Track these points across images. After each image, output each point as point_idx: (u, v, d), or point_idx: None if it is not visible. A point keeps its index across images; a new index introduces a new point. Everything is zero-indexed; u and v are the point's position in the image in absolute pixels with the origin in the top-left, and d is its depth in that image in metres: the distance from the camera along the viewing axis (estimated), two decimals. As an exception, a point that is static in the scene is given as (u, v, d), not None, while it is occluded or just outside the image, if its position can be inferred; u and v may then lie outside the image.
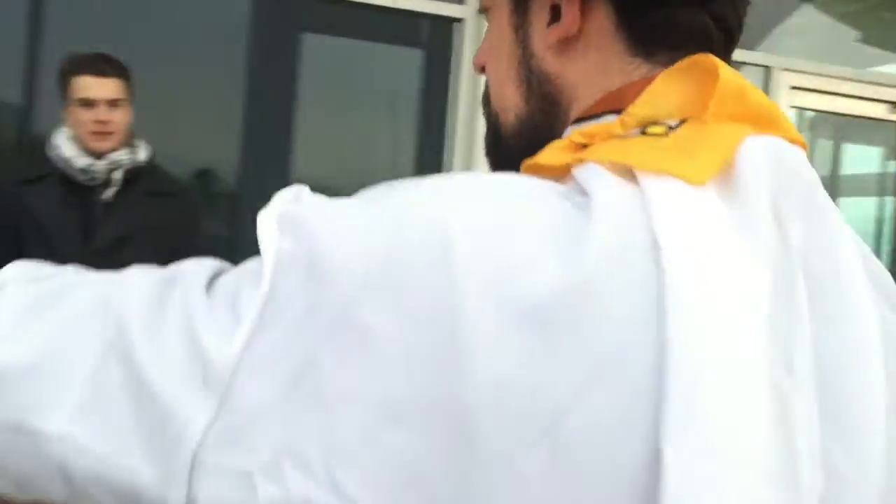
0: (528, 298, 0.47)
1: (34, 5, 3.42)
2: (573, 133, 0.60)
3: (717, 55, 0.59)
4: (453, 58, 4.05)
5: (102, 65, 2.27)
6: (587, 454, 0.45)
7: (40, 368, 0.51)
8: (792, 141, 0.58)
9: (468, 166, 3.99)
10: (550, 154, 0.58)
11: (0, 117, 3.42)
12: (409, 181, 0.56)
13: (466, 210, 0.50)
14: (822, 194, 0.57)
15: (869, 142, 4.84)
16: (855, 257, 0.56)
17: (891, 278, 0.60)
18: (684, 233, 0.49)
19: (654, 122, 0.57)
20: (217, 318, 0.51)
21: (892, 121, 4.74)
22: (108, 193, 2.28)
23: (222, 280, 0.56)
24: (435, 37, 4.05)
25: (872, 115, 4.57)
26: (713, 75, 0.56)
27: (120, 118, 2.28)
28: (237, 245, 3.72)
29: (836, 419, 0.50)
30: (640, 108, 0.58)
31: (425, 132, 4.05)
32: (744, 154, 0.53)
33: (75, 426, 0.50)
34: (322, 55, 3.92)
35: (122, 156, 2.28)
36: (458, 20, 4.06)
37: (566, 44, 0.64)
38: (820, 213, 0.56)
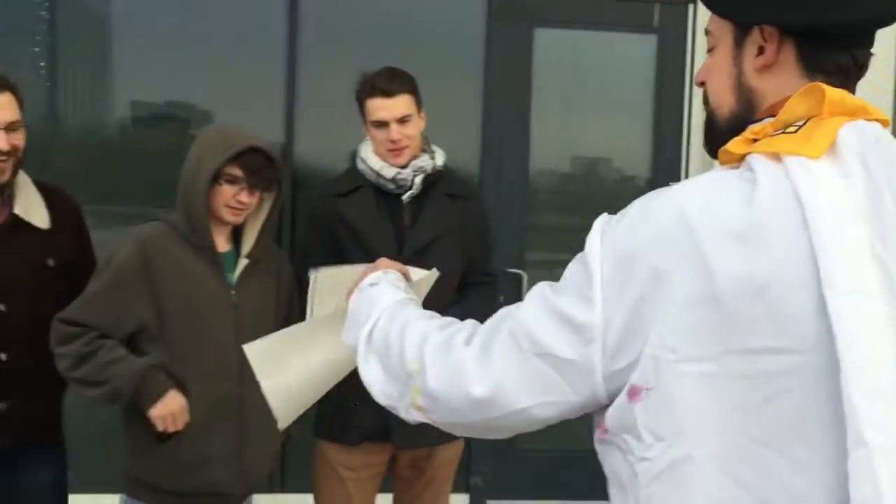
0: (731, 227, 0.91)
1: (292, 31, 3.82)
2: (747, 130, 1.02)
3: (851, 79, 1.04)
4: (687, 40, 4.00)
5: (389, 84, 2.38)
6: (782, 305, 0.89)
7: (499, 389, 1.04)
8: (877, 121, 0.99)
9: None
10: (734, 145, 1.01)
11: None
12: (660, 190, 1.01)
13: (689, 193, 0.97)
14: (889, 144, 0.97)
15: None
16: None
17: None
18: (811, 185, 0.91)
19: (790, 124, 0.99)
20: (571, 302, 0.99)
21: None
22: (408, 196, 2.42)
23: (559, 284, 1.04)
24: (667, 21, 4.01)
25: None
26: (822, 92, 0.97)
27: (411, 131, 2.41)
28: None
29: None
30: (782, 116, 1.00)
31: (662, 117, 4.03)
32: (841, 134, 0.95)
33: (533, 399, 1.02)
34: (556, 48, 4.02)
35: (423, 161, 2.43)
36: (691, 1, 4.00)
37: (765, 69, 1.05)
38: (890, 154, 0.95)
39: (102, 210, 3.78)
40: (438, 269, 2.23)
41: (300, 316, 2.23)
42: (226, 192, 2.12)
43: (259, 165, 2.11)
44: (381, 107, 2.38)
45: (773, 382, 0.88)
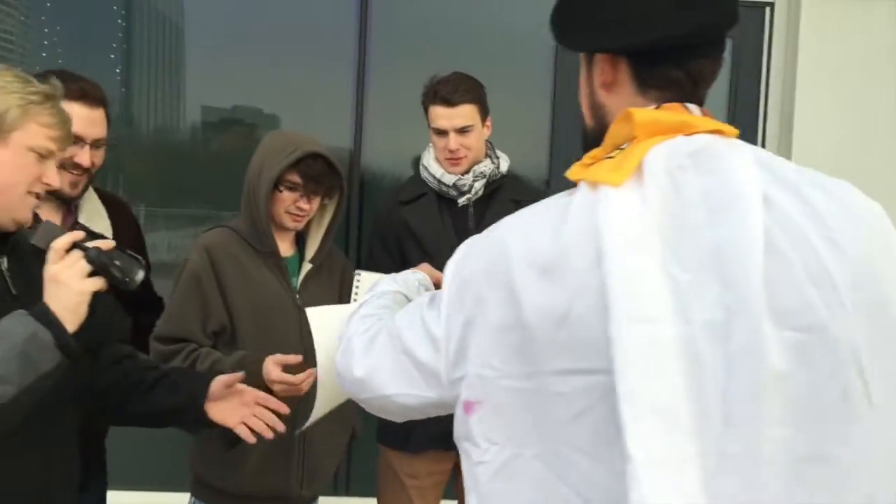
0: (539, 260, 0.99)
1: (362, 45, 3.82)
2: (585, 156, 1.09)
3: (688, 92, 1.09)
4: (765, 33, 3.87)
5: (452, 93, 2.36)
6: (581, 331, 0.96)
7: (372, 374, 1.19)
8: (711, 132, 1.04)
9: (782, 150, 3.78)
10: (572, 170, 1.06)
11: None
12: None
13: (515, 224, 1.08)
14: (714, 153, 1.00)
15: None
16: (749, 183, 0.97)
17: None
18: (608, 215, 0.97)
19: (616, 147, 1.06)
20: (431, 315, 1.13)
21: None
22: (465, 199, 2.42)
23: (433, 297, 1.17)
24: (744, 24, 3.89)
25: None
26: (632, 115, 1.04)
27: (471, 141, 2.39)
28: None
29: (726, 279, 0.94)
30: (608, 140, 1.09)
31: (737, 120, 3.90)
32: (647, 157, 1.00)
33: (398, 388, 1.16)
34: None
35: (485, 167, 2.42)
36: (769, 4, 3.87)
37: (606, 87, 1.14)
38: (712, 163, 0.99)
39: (173, 213, 3.85)
40: None
41: None
42: (286, 198, 2.12)
43: (319, 172, 2.11)
44: (442, 115, 2.38)
45: (583, 398, 0.96)
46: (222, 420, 1.75)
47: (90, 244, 1.46)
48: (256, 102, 3.99)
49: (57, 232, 1.47)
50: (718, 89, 3.83)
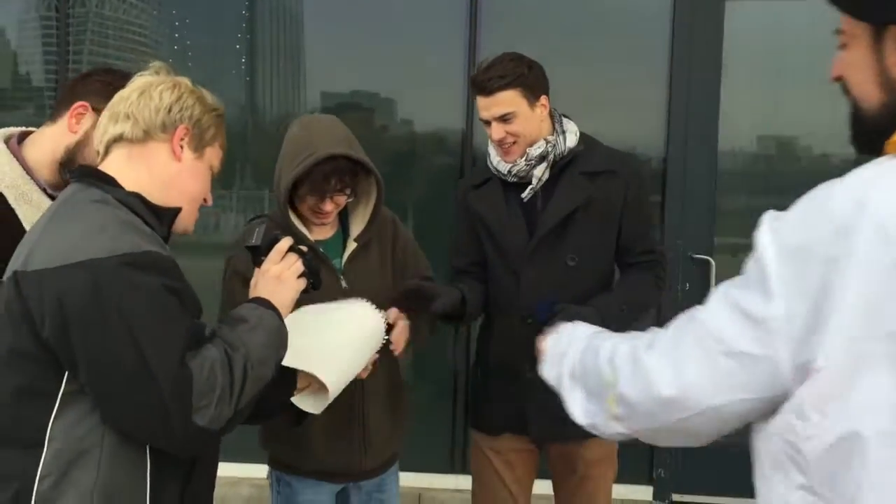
0: None
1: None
2: None
3: None
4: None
5: (487, 82, 2.22)
6: None
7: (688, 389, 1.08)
8: None
9: None
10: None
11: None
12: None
13: (866, 180, 0.98)
14: None
15: None
16: None
17: None
18: None
19: None
20: (752, 299, 1.00)
21: None
22: (528, 192, 2.30)
23: (739, 282, 1.05)
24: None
25: None
26: None
27: (518, 127, 2.24)
28: (675, 217, 3.79)
29: None
30: None
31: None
32: None
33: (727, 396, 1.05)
34: (749, 20, 3.80)
35: (539, 149, 2.27)
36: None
37: None
38: None
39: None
40: (576, 254, 2.28)
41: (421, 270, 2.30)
42: (308, 199, 2.10)
43: (336, 172, 2.06)
44: (481, 106, 2.26)
45: None
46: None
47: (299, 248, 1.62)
48: (373, 87, 4.08)
49: (273, 235, 1.62)
50: None
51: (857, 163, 3.66)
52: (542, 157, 2.28)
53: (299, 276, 1.60)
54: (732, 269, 4.30)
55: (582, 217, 2.29)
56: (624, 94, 3.79)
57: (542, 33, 3.80)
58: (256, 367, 1.42)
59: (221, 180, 3.99)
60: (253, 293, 1.58)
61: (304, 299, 1.86)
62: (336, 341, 1.94)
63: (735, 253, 3.84)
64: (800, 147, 3.96)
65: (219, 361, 1.37)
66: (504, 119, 2.23)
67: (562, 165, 2.31)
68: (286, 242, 1.61)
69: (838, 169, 4.14)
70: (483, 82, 2.23)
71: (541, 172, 2.29)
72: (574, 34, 3.79)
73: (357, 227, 2.22)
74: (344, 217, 2.24)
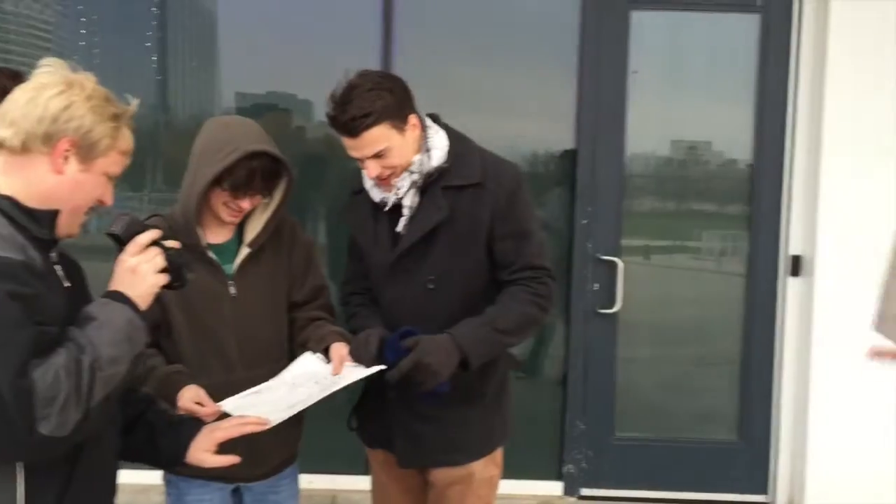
0: None
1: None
2: None
3: None
4: (793, 21, 3.85)
5: (350, 123, 2.04)
6: None
7: None
8: None
9: (812, 133, 3.79)
10: None
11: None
12: None
13: None
14: None
15: None
16: None
17: None
18: None
19: None
20: None
21: None
22: (389, 206, 2.18)
23: None
24: (771, 0, 3.88)
25: None
26: None
27: (394, 160, 2.09)
28: (574, 226, 3.91)
29: None
30: None
31: (765, 100, 3.89)
32: None
33: None
34: (653, 30, 3.94)
35: (403, 181, 2.13)
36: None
37: None
38: None
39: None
40: (437, 276, 2.16)
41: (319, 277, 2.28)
42: (223, 195, 2.07)
43: (256, 170, 2.04)
44: (349, 146, 2.09)
45: None
46: (200, 462, 1.73)
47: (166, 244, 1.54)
48: (290, 88, 4.06)
49: (138, 226, 1.54)
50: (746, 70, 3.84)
51: (759, 168, 3.83)
52: (411, 183, 2.14)
53: (162, 272, 1.52)
54: (639, 270, 4.48)
55: (445, 236, 2.14)
56: (534, 98, 3.89)
57: (455, 35, 3.86)
58: (106, 366, 1.38)
59: (131, 182, 3.91)
60: (109, 285, 1.51)
61: (171, 297, 1.84)
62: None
63: (643, 254, 4.00)
64: (705, 152, 4.13)
65: (63, 367, 1.33)
66: (377, 156, 2.08)
67: (428, 182, 2.15)
68: (148, 235, 1.52)
69: (742, 175, 4.36)
70: (346, 124, 2.04)
71: (410, 200, 2.16)
72: (486, 37, 3.86)
73: (251, 232, 2.18)
74: (241, 223, 2.19)
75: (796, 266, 3.87)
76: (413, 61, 3.81)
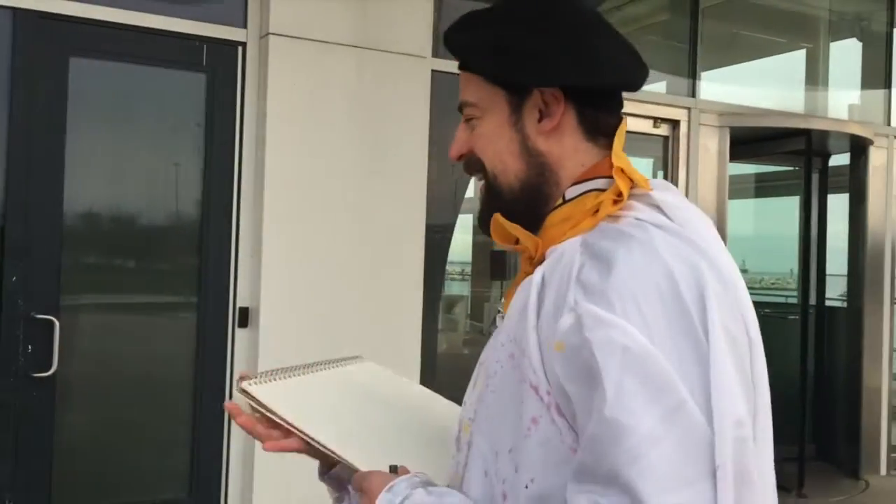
0: None
1: None
2: (609, 191, 1.02)
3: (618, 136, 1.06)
4: (237, 81, 4.00)
5: None
6: None
7: None
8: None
9: (256, 187, 3.95)
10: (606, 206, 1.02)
11: None
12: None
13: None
14: None
15: (637, 153, 5.25)
16: None
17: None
18: None
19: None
20: None
21: (657, 135, 5.21)
22: None
23: None
24: (217, 61, 3.99)
25: (639, 130, 5.01)
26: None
27: None
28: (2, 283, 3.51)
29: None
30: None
31: (212, 156, 3.97)
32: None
33: None
34: (94, 80, 3.78)
35: None
36: (241, 44, 4.02)
37: (550, 132, 1.05)
38: None
39: None
40: None
41: None
42: None
43: None
44: None
45: None
46: None
47: None
48: None
49: None
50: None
51: (208, 223, 3.73)
52: None
53: None
54: (81, 329, 4.15)
55: None
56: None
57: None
58: None
59: None
60: None
61: None
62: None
63: (87, 313, 3.74)
64: (151, 206, 4.02)
65: None
66: None
67: None
68: None
69: (189, 228, 4.27)
70: None
71: None
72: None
73: None
74: None
75: (244, 317, 3.98)
76: None
